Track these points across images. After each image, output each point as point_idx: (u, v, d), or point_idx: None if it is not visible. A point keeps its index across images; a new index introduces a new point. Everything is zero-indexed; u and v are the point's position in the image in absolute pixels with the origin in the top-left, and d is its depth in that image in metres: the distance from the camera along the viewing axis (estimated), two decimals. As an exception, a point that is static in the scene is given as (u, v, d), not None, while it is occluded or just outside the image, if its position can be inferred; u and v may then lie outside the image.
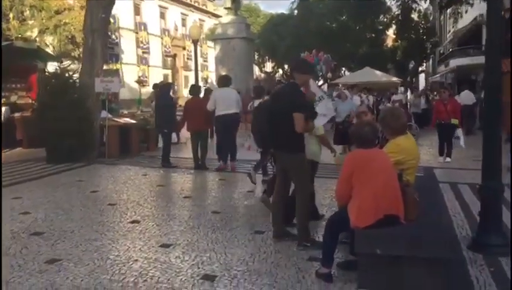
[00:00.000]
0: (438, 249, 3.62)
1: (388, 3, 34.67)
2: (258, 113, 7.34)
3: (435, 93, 18.93)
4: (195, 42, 16.72)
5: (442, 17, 46.98)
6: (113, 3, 11.67)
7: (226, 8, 23.17)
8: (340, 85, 25.36)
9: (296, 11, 35.41)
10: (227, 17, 23.32)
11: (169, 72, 38.86)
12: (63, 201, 7.07)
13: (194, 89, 10.55)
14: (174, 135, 13.65)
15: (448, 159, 10.64)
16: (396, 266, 3.71)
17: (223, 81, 9.95)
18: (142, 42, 35.23)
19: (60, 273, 4.26)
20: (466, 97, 17.45)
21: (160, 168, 9.87)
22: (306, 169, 5.04)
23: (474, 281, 4.08)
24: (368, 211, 3.68)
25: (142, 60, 35.34)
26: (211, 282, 4.05)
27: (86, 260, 4.57)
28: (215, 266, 4.41)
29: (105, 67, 18.95)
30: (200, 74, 32.84)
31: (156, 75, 33.96)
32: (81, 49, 18.03)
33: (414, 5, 27.64)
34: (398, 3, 26.86)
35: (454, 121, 10.61)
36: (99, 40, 11.15)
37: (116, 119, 12.11)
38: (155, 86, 15.02)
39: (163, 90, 10.64)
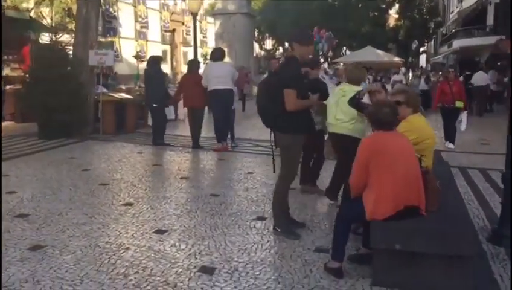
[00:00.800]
0: (460, 245, 3.23)
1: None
2: (258, 90, 6.91)
3: (440, 73, 18.36)
4: (194, 15, 16.07)
5: (446, -4, 46.20)
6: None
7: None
8: (342, 64, 24.84)
9: (298, -13, 34.61)
10: (228, -8, 22.68)
11: (168, 47, 38.15)
12: (53, 180, 6.66)
13: (193, 65, 9.95)
14: (172, 111, 13.24)
15: (451, 146, 10.00)
16: (413, 261, 3.34)
17: (215, 55, 9.36)
18: (140, 16, 34.45)
19: (43, 262, 3.87)
20: (479, 78, 16.95)
21: (157, 146, 9.44)
22: (296, 153, 4.62)
23: (498, 278, 3.71)
24: (387, 202, 3.28)
25: (141, 35, 34.58)
26: (209, 275, 3.66)
27: (72, 247, 4.18)
28: (213, 257, 4.02)
29: (102, 39, 18.34)
30: (199, 50, 32.16)
31: (155, 50, 33.26)
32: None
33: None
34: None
35: (459, 104, 10.05)
36: (93, 10, 10.62)
37: (112, 94, 11.63)
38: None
39: (151, 62, 10.00)
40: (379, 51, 29.29)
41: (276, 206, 4.68)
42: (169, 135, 10.46)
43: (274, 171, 4.76)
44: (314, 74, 5.87)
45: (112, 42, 27.39)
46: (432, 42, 48.93)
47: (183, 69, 33.31)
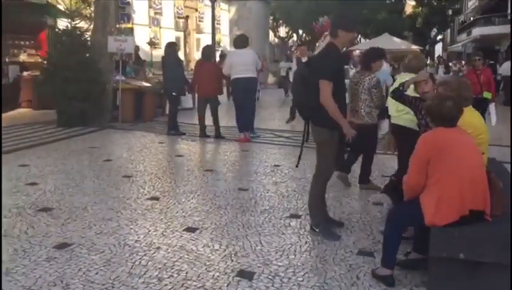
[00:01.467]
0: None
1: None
2: (293, 81, 6.61)
3: (463, 62, 17.90)
4: (212, 2, 15.77)
5: (465, -17, 45.22)
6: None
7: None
8: (358, 51, 24.29)
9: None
10: (244, -23, 22.29)
11: (181, 34, 37.80)
12: (74, 171, 6.44)
13: (207, 52, 9.49)
14: (189, 100, 12.98)
15: None
16: (477, 271, 3.04)
17: (238, 42, 9.03)
18: (154, 3, 34.10)
19: (71, 262, 3.63)
20: (508, 68, 16.52)
21: (177, 136, 9.18)
22: (334, 150, 4.30)
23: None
24: (451, 206, 2.98)
25: (154, 21, 34.20)
26: (249, 281, 3.39)
27: (100, 246, 3.94)
28: (251, 259, 3.75)
29: (117, 26, 18.03)
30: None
31: (168, 37, 32.94)
32: (92, 8, 17.16)
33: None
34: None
35: (487, 95, 9.57)
36: (112, -5, 10.36)
37: (130, 82, 11.36)
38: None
39: (168, 49, 9.73)
40: (396, 39, 28.62)
41: (313, 207, 4.39)
42: (187, 124, 10.24)
43: (297, 166, 4.54)
44: (378, 66, 5.64)
45: (131, 28, 27.08)
46: (449, 30, 48.04)
47: (196, 56, 32.97)
